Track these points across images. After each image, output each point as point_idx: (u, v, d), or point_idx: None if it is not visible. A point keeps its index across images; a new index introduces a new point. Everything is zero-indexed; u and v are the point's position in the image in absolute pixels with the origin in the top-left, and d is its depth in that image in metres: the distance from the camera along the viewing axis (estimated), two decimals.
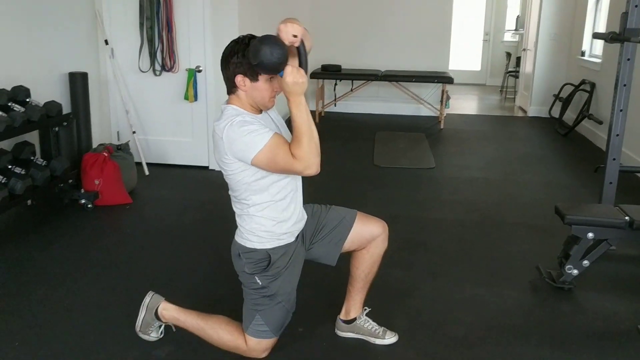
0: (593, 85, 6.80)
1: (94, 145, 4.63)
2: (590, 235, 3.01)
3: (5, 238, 3.64)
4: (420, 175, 5.32)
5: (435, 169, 5.52)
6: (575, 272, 3.06)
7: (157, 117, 5.26)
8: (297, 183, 2.35)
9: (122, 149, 4.54)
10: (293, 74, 2.03)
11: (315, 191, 4.69)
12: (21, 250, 3.47)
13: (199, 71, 5.05)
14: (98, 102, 5.03)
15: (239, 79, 2.14)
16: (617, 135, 3.50)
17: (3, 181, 3.45)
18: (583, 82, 7.12)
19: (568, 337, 2.67)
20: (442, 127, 7.45)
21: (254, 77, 2.13)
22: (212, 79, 5.03)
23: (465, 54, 12.01)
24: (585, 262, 3.05)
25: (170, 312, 2.45)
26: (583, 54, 7.42)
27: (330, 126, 7.43)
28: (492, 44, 11.90)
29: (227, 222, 2.37)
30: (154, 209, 4.31)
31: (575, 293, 3.07)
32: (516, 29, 11.17)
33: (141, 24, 4.99)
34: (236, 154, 2.11)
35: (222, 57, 2.17)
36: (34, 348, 2.48)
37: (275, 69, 2.05)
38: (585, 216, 3.04)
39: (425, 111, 8.13)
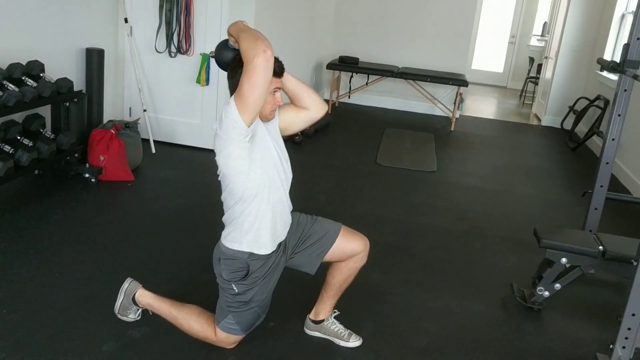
0: (607, 102, 6.77)
1: (105, 120, 4.80)
2: (563, 260, 3.08)
3: (9, 206, 3.82)
4: (420, 178, 5.39)
5: (436, 172, 5.59)
6: (546, 293, 3.15)
7: (168, 97, 5.40)
8: (283, 195, 2.44)
9: (130, 127, 4.70)
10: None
11: (312, 184, 4.83)
12: (21, 219, 3.64)
13: (213, 56, 5.15)
14: (113, 79, 5.19)
15: None
16: (607, 163, 3.55)
17: (10, 152, 3.62)
18: (598, 97, 7.10)
19: (524, 356, 2.77)
20: (452, 129, 7.50)
21: None
22: None
23: (490, 55, 11.94)
24: (557, 285, 3.14)
25: (146, 299, 2.60)
26: (602, 69, 7.35)
27: (342, 118, 7.52)
28: (518, 47, 11.82)
29: (221, 209, 2.45)
30: (154, 189, 4.47)
31: (543, 314, 3.16)
32: (542, 35, 11.08)
33: (161, 6, 5.08)
34: (223, 122, 2.21)
35: (230, 67, 2.29)
36: (20, 316, 2.65)
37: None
38: (560, 242, 3.10)
39: (438, 111, 8.17)
